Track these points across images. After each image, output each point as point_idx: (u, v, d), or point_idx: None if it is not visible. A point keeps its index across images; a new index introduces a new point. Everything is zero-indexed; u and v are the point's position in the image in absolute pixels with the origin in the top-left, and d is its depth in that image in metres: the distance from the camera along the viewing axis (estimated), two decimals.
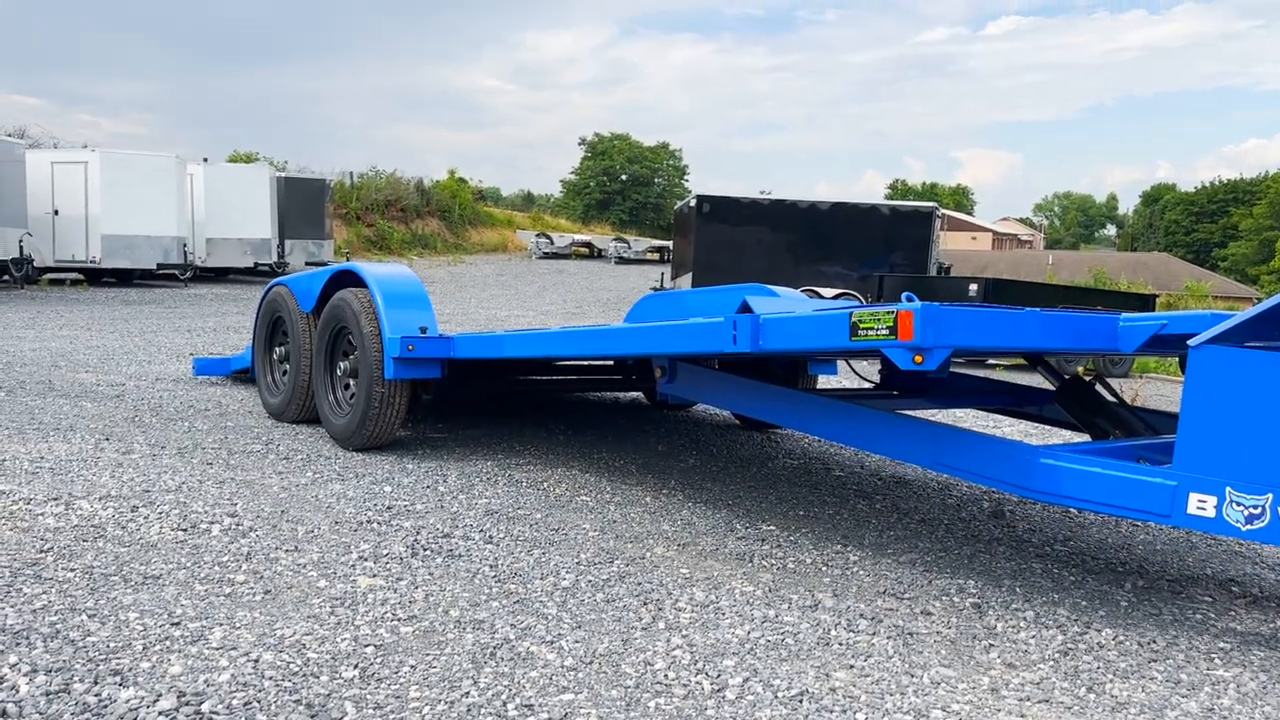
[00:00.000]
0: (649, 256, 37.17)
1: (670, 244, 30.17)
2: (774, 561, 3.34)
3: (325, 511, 3.65)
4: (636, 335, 3.49)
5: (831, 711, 2.23)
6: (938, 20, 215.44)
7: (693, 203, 22.95)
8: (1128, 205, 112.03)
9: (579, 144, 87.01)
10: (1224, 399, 2.56)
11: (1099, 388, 3.84)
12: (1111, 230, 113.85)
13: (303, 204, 24.42)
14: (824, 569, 3.30)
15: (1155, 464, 2.79)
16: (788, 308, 3.00)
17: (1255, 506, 2.53)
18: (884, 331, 2.63)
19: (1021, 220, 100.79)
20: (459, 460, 4.63)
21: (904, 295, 2.92)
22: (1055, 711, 2.29)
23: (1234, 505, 2.55)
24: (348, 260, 23.89)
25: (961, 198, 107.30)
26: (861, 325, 2.69)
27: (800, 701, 2.27)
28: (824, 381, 6.07)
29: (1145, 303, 13.84)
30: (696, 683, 2.34)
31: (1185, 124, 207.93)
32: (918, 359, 2.60)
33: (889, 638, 2.70)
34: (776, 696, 2.29)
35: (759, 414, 3.81)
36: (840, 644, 2.64)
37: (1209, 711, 2.33)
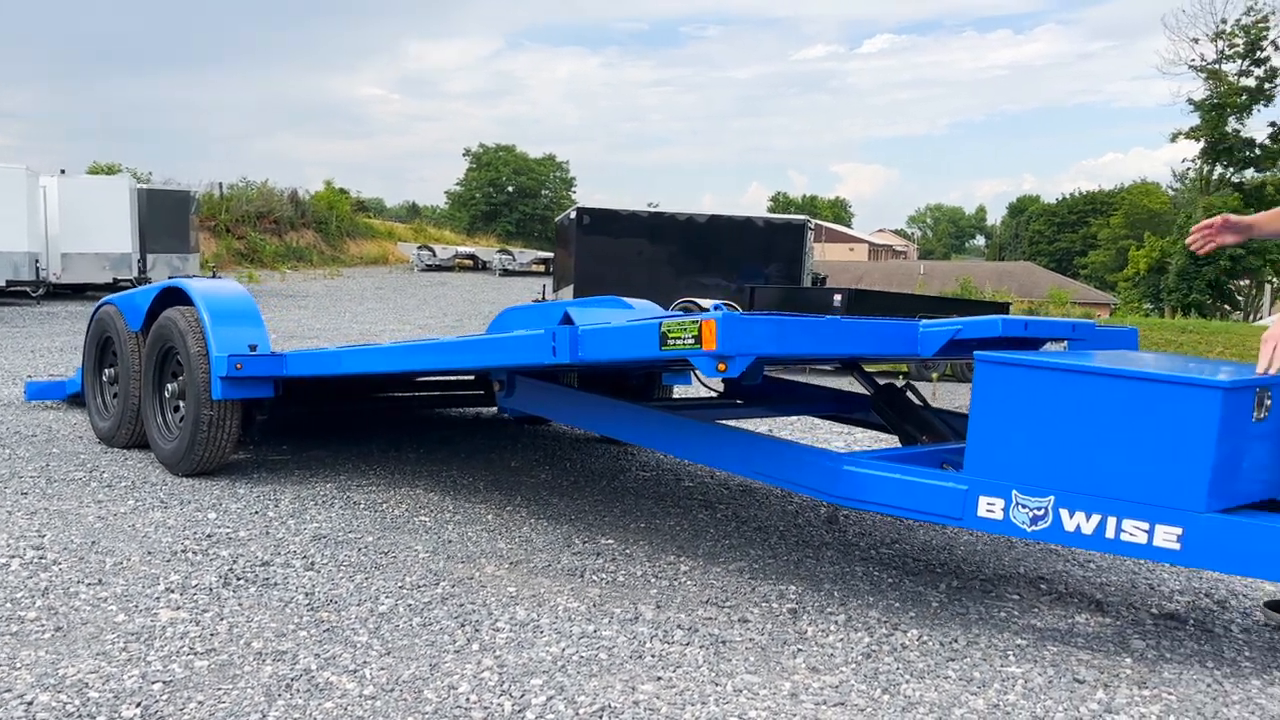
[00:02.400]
0: (534, 269, 37.03)
1: (554, 245, 30.02)
2: (605, 576, 3.35)
3: (139, 541, 3.50)
4: (465, 348, 3.47)
5: None
6: (816, 38, 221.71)
7: (573, 215, 22.99)
8: (995, 216, 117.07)
9: (464, 155, 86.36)
10: (1007, 408, 2.69)
11: (909, 394, 3.98)
12: (981, 240, 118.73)
13: (166, 217, 23.47)
14: (653, 580, 3.32)
15: (957, 468, 2.91)
16: (606, 319, 3.02)
17: (1039, 508, 2.66)
18: (690, 341, 2.68)
19: (896, 232, 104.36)
20: (296, 483, 4.51)
21: (713, 305, 2.98)
22: (849, 714, 2.36)
23: (1020, 507, 2.68)
24: (214, 275, 23.12)
25: (840, 210, 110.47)
26: (670, 335, 2.73)
27: (601, 716, 2.28)
28: (680, 391, 6.13)
29: (1000, 310, 14.45)
30: (498, 704, 2.32)
31: (1048, 139, 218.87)
32: (721, 367, 2.65)
33: (702, 647, 2.73)
34: (578, 713, 2.29)
35: (589, 425, 3.82)
36: (653, 656, 2.66)
37: (994, 708, 2.44)
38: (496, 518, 4.08)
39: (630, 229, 22.51)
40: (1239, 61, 43.27)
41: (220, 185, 32.27)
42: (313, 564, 3.33)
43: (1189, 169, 51.64)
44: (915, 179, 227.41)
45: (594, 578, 3.32)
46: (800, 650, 2.74)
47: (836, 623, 2.98)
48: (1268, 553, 2.44)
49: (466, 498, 4.40)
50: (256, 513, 3.98)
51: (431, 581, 3.20)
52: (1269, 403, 2.66)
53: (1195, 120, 43.43)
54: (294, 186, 35.20)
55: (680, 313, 2.77)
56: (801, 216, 22.53)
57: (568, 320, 3.08)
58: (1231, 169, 44.37)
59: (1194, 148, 44.57)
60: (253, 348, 4.24)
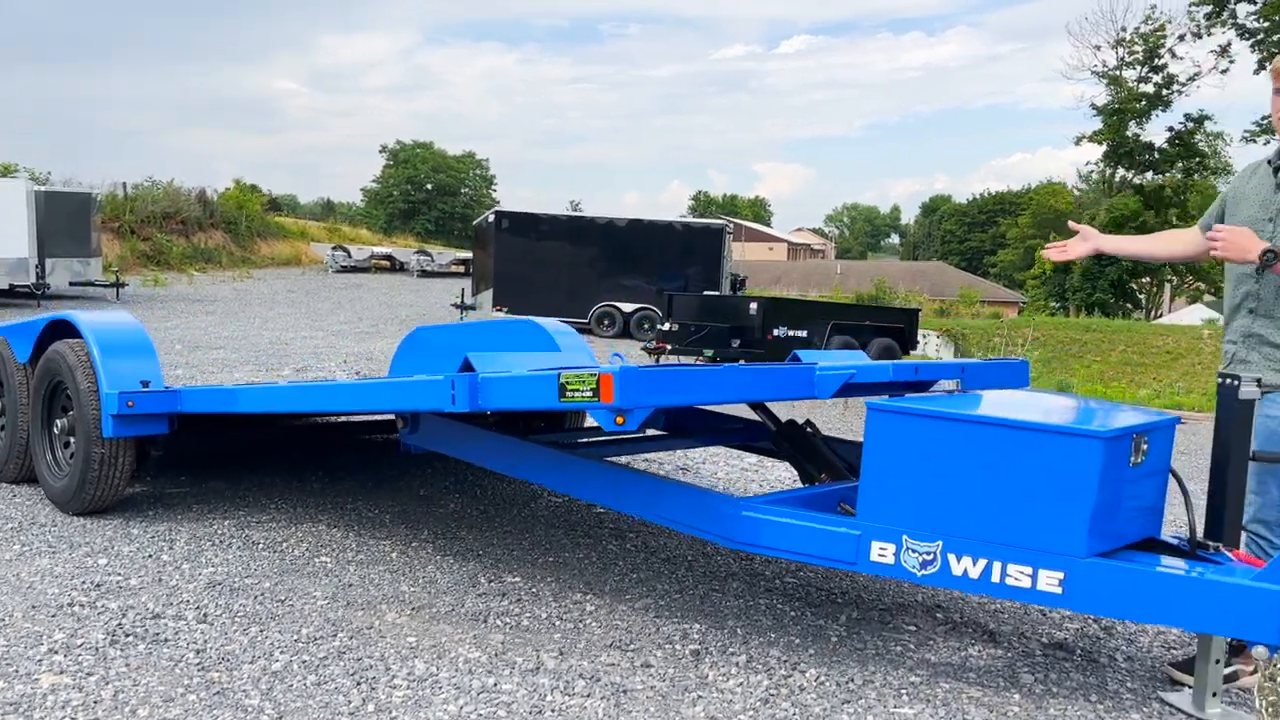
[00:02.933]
0: (454, 269, 36.62)
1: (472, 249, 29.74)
2: (509, 620, 3.33)
3: (24, 593, 3.37)
4: (364, 392, 3.41)
5: None
6: (735, 38, 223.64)
7: (491, 218, 22.83)
8: (909, 216, 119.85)
9: (380, 152, 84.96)
10: (897, 454, 2.75)
11: (809, 429, 4.03)
12: (895, 239, 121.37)
13: (66, 219, 22.57)
14: (557, 623, 3.32)
15: (854, 507, 2.97)
16: (505, 366, 3.00)
17: (928, 553, 2.72)
18: (588, 394, 2.68)
19: (814, 231, 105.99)
20: (192, 520, 4.38)
21: (612, 355, 2.99)
22: None
23: (910, 552, 2.74)
24: (117, 279, 22.34)
25: (760, 209, 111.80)
26: (569, 387, 2.73)
27: None
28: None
29: (910, 316, 14.80)
30: None
31: (960, 139, 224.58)
32: (619, 419, 2.66)
33: (603, 698, 2.74)
34: None
35: (495, 466, 3.80)
36: (553, 710, 2.66)
37: None
38: (401, 555, 4.02)
39: (549, 232, 22.44)
40: (1138, 68, 44.91)
41: (124, 185, 31.18)
42: (206, 615, 3.24)
43: (1092, 171, 53.54)
44: (832, 178, 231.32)
45: (498, 622, 3.30)
46: (700, 698, 2.77)
47: (738, 664, 3.01)
48: (1143, 596, 2.54)
49: (371, 533, 4.33)
50: (150, 556, 3.85)
51: (329, 633, 3.14)
52: (1146, 446, 2.77)
53: (1098, 124, 44.96)
54: (202, 186, 34.18)
55: (579, 364, 2.77)
56: (720, 220, 22.74)
57: (468, 367, 3.05)
58: (1132, 172, 46.04)
59: (1097, 151, 46.16)
60: (145, 384, 4.10)
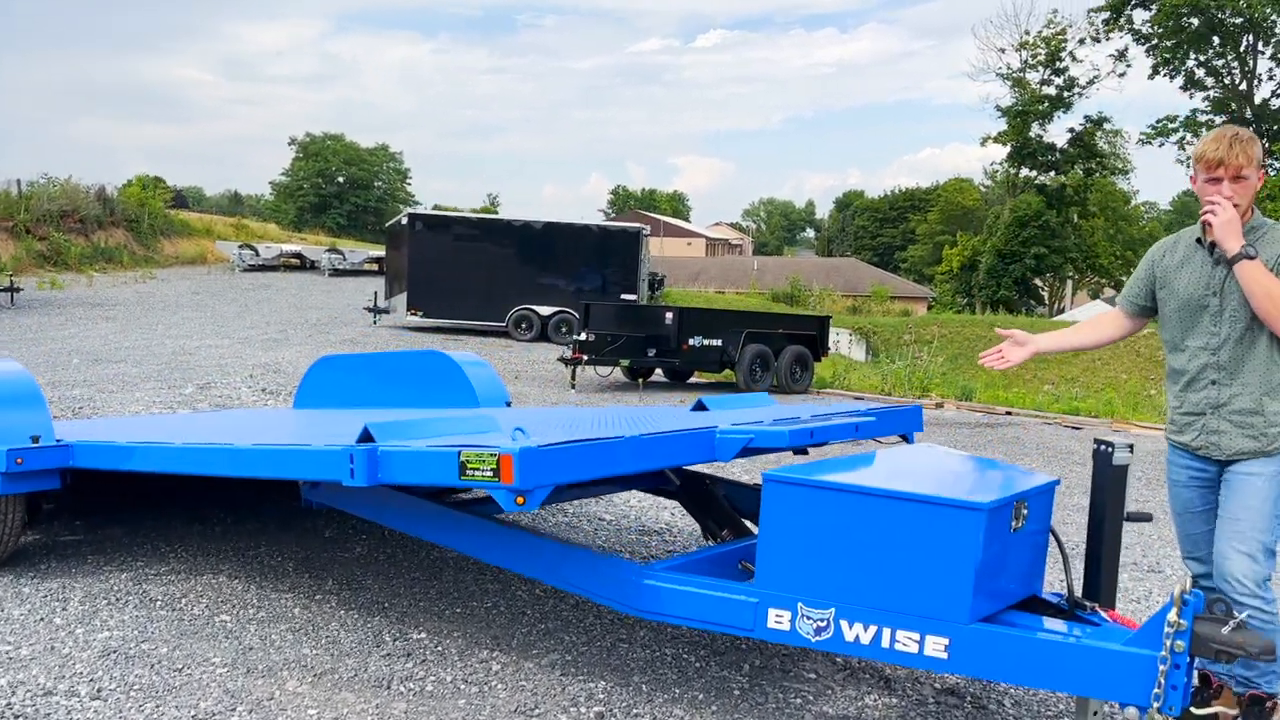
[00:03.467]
0: (367, 268, 35.94)
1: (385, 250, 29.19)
2: (413, 685, 3.32)
3: None
4: (263, 459, 3.35)
5: None
6: (651, 31, 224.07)
7: (404, 220, 22.50)
8: (824, 210, 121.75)
9: (290, 144, 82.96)
10: (791, 523, 2.82)
11: (710, 485, 4.09)
12: (811, 233, 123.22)
13: None
14: (462, 688, 3.32)
15: (754, 564, 3.04)
16: (406, 437, 2.98)
17: (822, 620, 2.80)
18: (488, 474, 2.69)
19: (732, 225, 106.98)
20: (88, 574, 4.26)
21: (514, 430, 2.99)
22: None
23: (805, 619, 2.82)
24: (11, 283, 21.41)
25: (678, 204, 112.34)
26: (469, 465, 2.73)
27: None
28: None
29: (822, 323, 15.07)
30: None
31: (872, 134, 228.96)
32: (520, 500, 2.67)
33: None
34: None
35: (395, 526, 3.77)
36: None
37: None
38: (304, 611, 3.97)
39: (464, 234, 22.23)
40: (1041, 71, 46.36)
41: (19, 182, 29.87)
42: (99, 691, 3.16)
43: (998, 170, 55.10)
44: (749, 172, 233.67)
45: (402, 688, 3.29)
46: None
47: None
48: (1023, 661, 2.66)
49: (273, 585, 4.27)
50: (42, 620, 3.74)
51: (228, 706, 3.09)
52: (1026, 511, 2.90)
53: (1004, 125, 46.29)
54: (102, 182, 32.94)
55: (483, 442, 2.76)
56: (637, 225, 22.78)
57: (368, 436, 3.03)
58: (1035, 171, 47.54)
59: (1002, 151, 47.53)
60: (35, 439, 3.97)
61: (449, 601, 4.17)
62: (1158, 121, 42.61)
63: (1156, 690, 2.50)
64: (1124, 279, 47.94)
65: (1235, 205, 2.95)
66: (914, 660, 2.73)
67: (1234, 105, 41.03)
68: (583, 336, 13.31)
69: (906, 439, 4.14)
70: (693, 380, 15.44)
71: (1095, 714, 2.86)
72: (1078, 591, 3.01)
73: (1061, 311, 52.03)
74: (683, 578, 2.96)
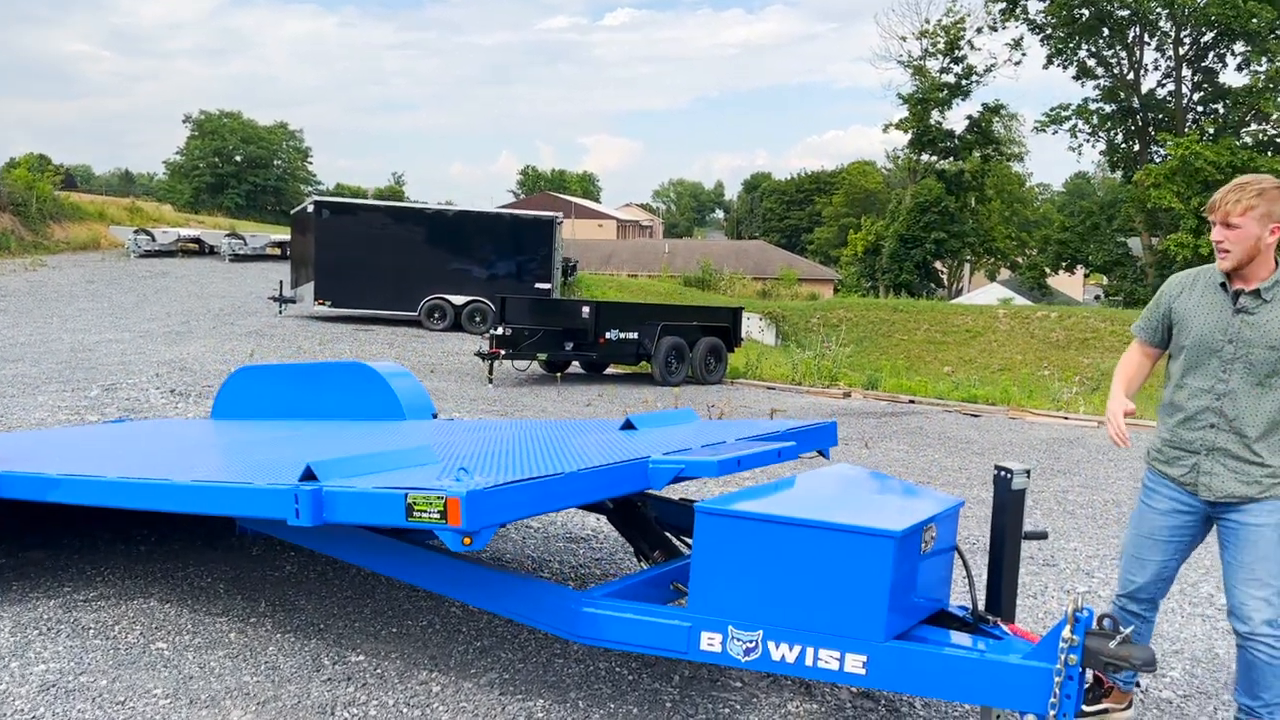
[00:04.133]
0: (269, 252, 35.07)
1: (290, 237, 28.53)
2: (356, 710, 3.42)
3: None
4: (201, 495, 3.39)
5: None
6: (559, 8, 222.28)
7: (310, 208, 22.06)
8: (732, 192, 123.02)
9: (184, 122, 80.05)
10: (721, 551, 3.01)
11: (642, 508, 4.27)
12: (720, 214, 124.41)
13: None
14: (405, 710, 3.43)
15: (687, 585, 3.23)
16: (349, 481, 3.06)
17: (751, 641, 3.00)
18: (435, 515, 2.80)
19: (643, 206, 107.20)
20: (14, 603, 4.22)
21: (458, 470, 3.11)
22: None
23: (735, 641, 3.02)
24: None
25: (589, 184, 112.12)
26: (416, 507, 2.85)
27: None
28: None
29: (734, 314, 15.38)
30: None
31: (778, 116, 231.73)
32: (466, 541, 2.80)
33: None
34: None
35: (334, 554, 3.85)
36: None
37: None
38: (240, 636, 4.02)
39: (374, 223, 21.92)
40: (940, 59, 47.62)
41: None
42: None
43: (899, 155, 56.49)
44: (659, 152, 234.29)
45: (344, 714, 3.39)
46: None
47: None
48: (933, 675, 2.90)
49: (206, 608, 4.30)
50: None
51: None
52: (934, 533, 3.14)
53: (905, 112, 47.45)
54: None
55: (430, 484, 2.87)
56: (550, 214, 22.78)
57: (310, 475, 3.11)
58: (935, 157, 48.89)
59: (904, 137, 48.74)
60: None
61: (384, 621, 4.26)
62: (1051, 110, 44.25)
63: (1053, 700, 2.77)
64: (1019, 260, 49.98)
65: (1225, 251, 3.07)
66: (836, 676, 2.95)
67: (1123, 95, 42.86)
68: (499, 331, 13.33)
69: (824, 454, 4.38)
70: (609, 372, 15.62)
71: (998, 717, 3.14)
72: (981, 606, 3.28)
73: (960, 293, 53.75)
74: (620, 604, 3.13)
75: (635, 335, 13.99)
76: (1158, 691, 3.89)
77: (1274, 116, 38.48)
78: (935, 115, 47.38)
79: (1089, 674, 3.03)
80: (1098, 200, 49.16)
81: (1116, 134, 44.05)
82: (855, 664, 2.93)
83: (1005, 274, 54.75)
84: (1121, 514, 7.21)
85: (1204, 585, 5.41)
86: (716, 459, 3.33)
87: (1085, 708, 3.17)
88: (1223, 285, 3.17)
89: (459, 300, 21.40)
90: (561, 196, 79.55)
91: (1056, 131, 44.16)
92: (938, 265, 48.72)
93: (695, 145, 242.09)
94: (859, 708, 3.60)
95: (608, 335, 13.78)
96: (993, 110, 47.70)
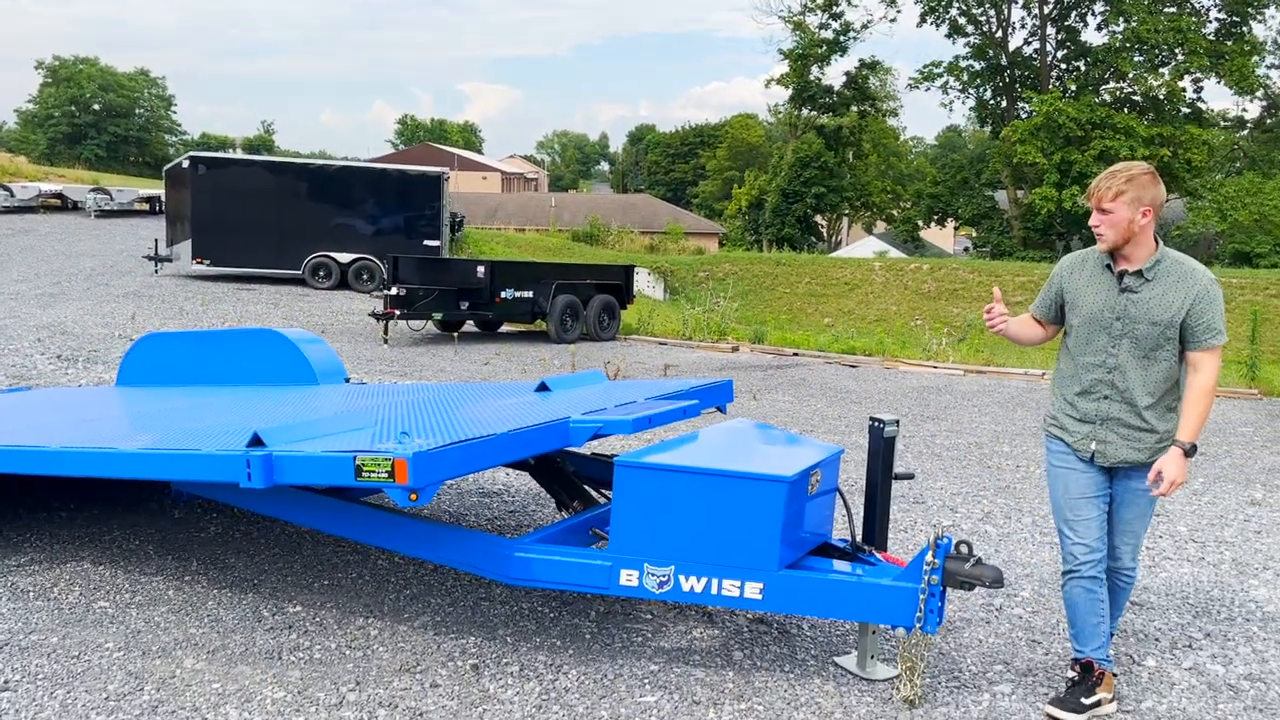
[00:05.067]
0: (138, 208, 33.67)
1: (164, 194, 27.51)
2: (302, 654, 3.72)
3: None
4: (148, 462, 3.60)
5: None
6: None
7: (185, 163, 21.37)
8: (617, 144, 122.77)
9: (37, 68, 75.29)
10: (637, 499, 3.42)
11: (560, 462, 4.64)
12: (605, 167, 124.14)
13: None
14: (348, 653, 3.75)
15: (605, 530, 3.64)
16: (297, 445, 3.33)
17: (664, 576, 3.44)
18: (383, 475, 3.12)
19: (527, 158, 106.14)
20: None
21: (399, 432, 3.42)
22: None
23: (650, 576, 3.44)
24: None
25: (470, 135, 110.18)
26: (365, 468, 3.15)
27: None
28: None
29: (627, 272, 15.77)
30: None
31: (661, 66, 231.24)
32: (413, 496, 3.13)
33: None
34: None
35: (272, 514, 4.10)
36: None
37: None
38: (178, 593, 4.25)
39: (253, 179, 21.40)
40: (820, 14, 48.47)
41: None
42: (6, 683, 3.38)
43: (780, 109, 57.40)
44: (541, 101, 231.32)
45: (292, 658, 3.69)
46: (485, 711, 3.34)
47: (512, 674, 3.61)
48: (820, 598, 3.38)
49: (140, 569, 4.49)
50: None
51: (135, 687, 3.40)
52: (819, 478, 3.62)
53: (785, 67, 48.25)
54: None
55: (376, 447, 3.18)
56: (438, 169, 22.62)
57: (258, 441, 3.37)
58: (815, 113, 49.95)
59: (785, 92, 49.60)
60: None
61: (314, 575, 4.54)
62: (924, 67, 45.82)
63: (919, 614, 3.29)
64: (895, 214, 51.81)
65: (1102, 235, 3.29)
66: (737, 603, 3.41)
67: (991, 52, 44.63)
68: (393, 291, 13.39)
69: (721, 409, 4.84)
70: (503, 330, 15.85)
71: (874, 632, 3.67)
72: (859, 538, 3.78)
73: (838, 246, 55.41)
74: (548, 548, 3.52)
75: (531, 294, 14.26)
76: (1010, 609, 4.50)
77: (1130, 75, 40.74)
78: (815, 71, 48.37)
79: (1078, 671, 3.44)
80: (967, 154, 51.24)
81: (985, 90, 45.94)
82: (754, 591, 3.39)
83: (881, 227, 56.59)
84: (983, 455, 7.96)
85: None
86: (631, 418, 3.72)
87: (1083, 699, 3.39)
88: (1108, 266, 3.36)
89: (345, 258, 21.16)
90: (443, 148, 78.17)
91: (929, 88, 45.78)
92: (818, 219, 50.07)
93: (579, 95, 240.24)
94: (755, 631, 4.08)
95: (503, 294, 14.01)
96: (869, 66, 48.97)
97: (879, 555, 3.67)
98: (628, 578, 3.46)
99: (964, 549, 3.35)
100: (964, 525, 5.86)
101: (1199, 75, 40.73)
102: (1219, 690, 3.74)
